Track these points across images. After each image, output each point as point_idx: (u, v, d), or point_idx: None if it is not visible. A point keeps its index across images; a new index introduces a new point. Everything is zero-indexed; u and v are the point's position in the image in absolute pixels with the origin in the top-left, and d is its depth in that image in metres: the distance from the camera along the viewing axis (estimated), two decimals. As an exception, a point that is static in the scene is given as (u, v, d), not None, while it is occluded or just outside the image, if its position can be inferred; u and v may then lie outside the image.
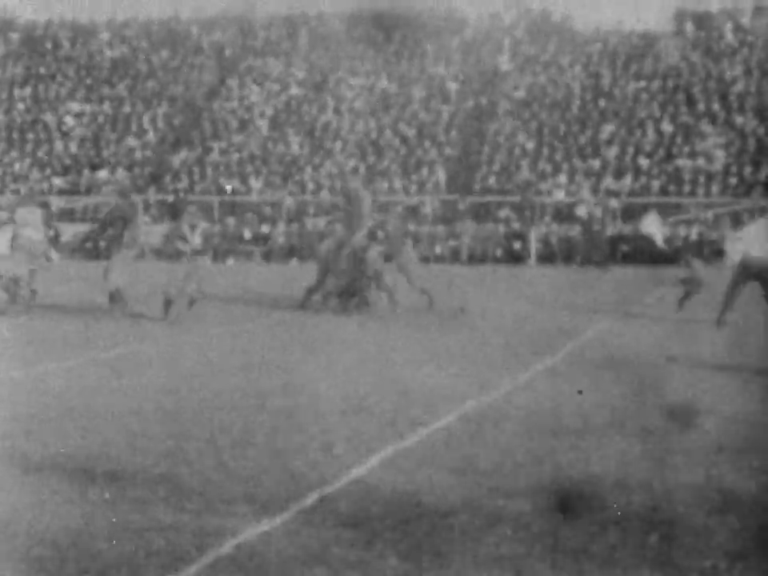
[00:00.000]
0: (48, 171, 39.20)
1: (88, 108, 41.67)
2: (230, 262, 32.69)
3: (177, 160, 38.32)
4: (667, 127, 36.01)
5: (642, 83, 37.90)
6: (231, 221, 34.40)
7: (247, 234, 33.88)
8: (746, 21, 40.01)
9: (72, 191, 38.09)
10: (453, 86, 39.90)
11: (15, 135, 40.78)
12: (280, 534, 6.19)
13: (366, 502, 6.79)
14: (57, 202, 36.00)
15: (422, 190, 35.70)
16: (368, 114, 38.74)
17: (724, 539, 6.14)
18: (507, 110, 38.03)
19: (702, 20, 40.52)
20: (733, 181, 33.62)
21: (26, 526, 6.31)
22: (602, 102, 37.66)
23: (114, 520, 6.41)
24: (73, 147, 39.94)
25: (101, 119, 41.03)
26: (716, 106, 36.43)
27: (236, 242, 33.77)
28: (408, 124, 38.33)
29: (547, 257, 32.80)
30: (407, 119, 38.50)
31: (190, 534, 6.16)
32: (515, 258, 32.82)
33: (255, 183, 36.85)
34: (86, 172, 38.68)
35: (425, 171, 36.30)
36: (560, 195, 35.42)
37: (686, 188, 33.89)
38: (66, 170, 39.09)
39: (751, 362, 12.63)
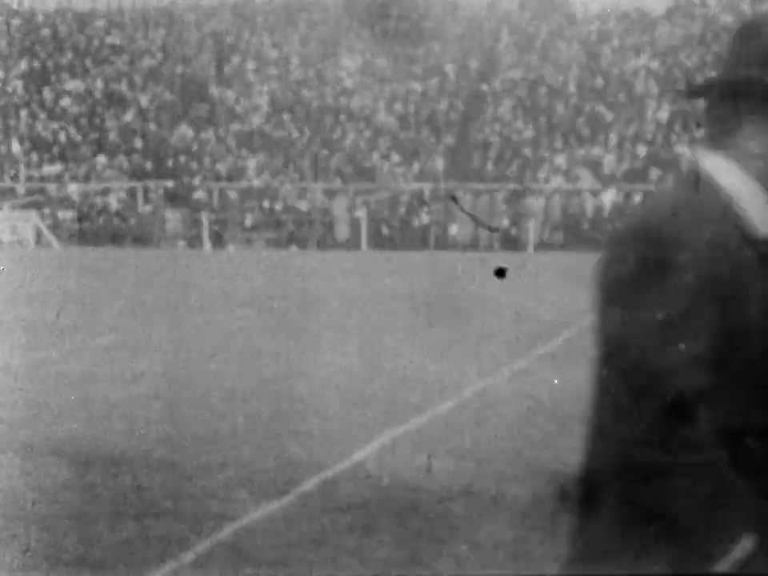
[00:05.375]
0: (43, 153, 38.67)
1: (83, 86, 41.34)
2: (231, 248, 32.63)
3: (175, 139, 37.95)
4: (663, 114, 35.86)
5: (641, 61, 37.65)
6: (233, 206, 34.28)
7: (248, 221, 33.82)
8: (744, 5, 39.86)
9: (68, 177, 37.61)
10: (450, 68, 39.66)
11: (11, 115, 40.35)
12: (279, 519, 6.19)
13: (365, 487, 6.80)
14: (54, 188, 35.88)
15: (421, 176, 35.56)
16: (365, 93, 38.44)
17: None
18: (505, 92, 37.79)
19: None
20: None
21: (26, 511, 6.31)
22: (599, 82, 37.38)
23: (113, 505, 6.41)
24: (68, 127, 39.49)
25: (97, 96, 40.62)
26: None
27: (237, 228, 33.70)
28: (404, 105, 38.14)
29: (545, 243, 32.76)
30: (404, 101, 38.29)
31: (189, 520, 6.17)
32: (512, 245, 32.74)
33: (251, 165, 36.50)
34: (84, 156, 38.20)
35: (423, 158, 36.13)
36: (558, 181, 35.32)
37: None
38: (61, 153, 38.64)
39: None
